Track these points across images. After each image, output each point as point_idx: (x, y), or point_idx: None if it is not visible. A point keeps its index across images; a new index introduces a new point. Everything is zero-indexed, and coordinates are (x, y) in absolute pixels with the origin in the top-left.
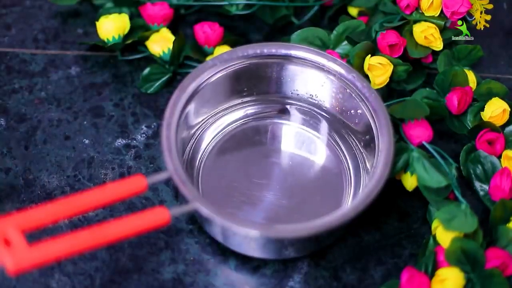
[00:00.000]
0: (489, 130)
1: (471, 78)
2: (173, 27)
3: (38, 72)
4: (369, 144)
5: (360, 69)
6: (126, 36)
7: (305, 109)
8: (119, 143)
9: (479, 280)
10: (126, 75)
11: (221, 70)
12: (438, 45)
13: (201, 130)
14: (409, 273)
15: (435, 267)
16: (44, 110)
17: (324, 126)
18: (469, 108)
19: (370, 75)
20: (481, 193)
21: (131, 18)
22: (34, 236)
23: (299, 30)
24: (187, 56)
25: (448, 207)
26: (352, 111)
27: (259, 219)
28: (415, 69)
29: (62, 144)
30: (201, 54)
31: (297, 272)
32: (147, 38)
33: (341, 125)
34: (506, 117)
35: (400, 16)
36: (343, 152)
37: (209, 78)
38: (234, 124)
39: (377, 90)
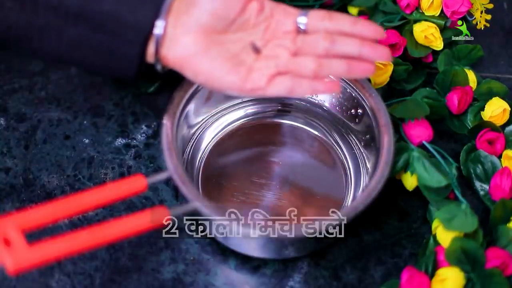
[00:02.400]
0: (489, 129)
1: (471, 77)
2: None
3: (38, 72)
4: (369, 143)
5: None
6: None
7: (305, 108)
8: (119, 143)
9: (479, 279)
10: None
11: None
12: (438, 44)
13: (201, 130)
14: (409, 273)
15: (435, 266)
16: (44, 110)
17: (324, 125)
18: (469, 108)
19: None
20: (481, 192)
21: None
22: (34, 236)
23: None
24: None
25: (448, 207)
26: (352, 111)
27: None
28: (415, 69)
29: (62, 143)
30: None
31: (297, 272)
32: None
33: (341, 125)
34: (506, 116)
35: (400, 16)
36: (343, 152)
37: None
38: (234, 124)
39: (377, 89)
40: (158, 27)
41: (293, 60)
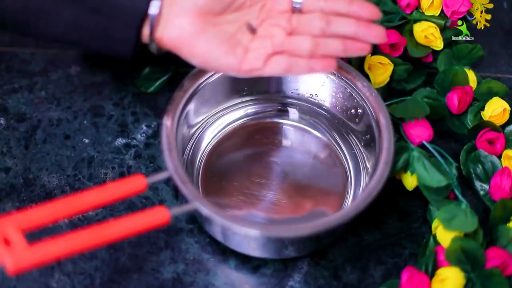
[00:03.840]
0: (489, 129)
1: (471, 77)
2: None
3: (38, 72)
4: (369, 143)
5: (360, 68)
6: None
7: (305, 108)
8: (119, 143)
9: (479, 279)
10: (126, 74)
11: None
12: (438, 44)
13: (201, 130)
14: (409, 273)
15: (435, 266)
16: (44, 110)
17: (324, 125)
18: (469, 108)
19: (370, 75)
20: (481, 192)
21: None
22: (34, 235)
23: None
24: None
25: (448, 207)
26: (352, 111)
27: (259, 219)
28: (415, 69)
29: (62, 143)
30: None
31: (297, 272)
32: None
33: (341, 125)
34: (506, 116)
35: (400, 16)
36: (343, 152)
37: (209, 77)
38: (234, 124)
39: (377, 89)
40: (153, 7)
41: (289, 39)
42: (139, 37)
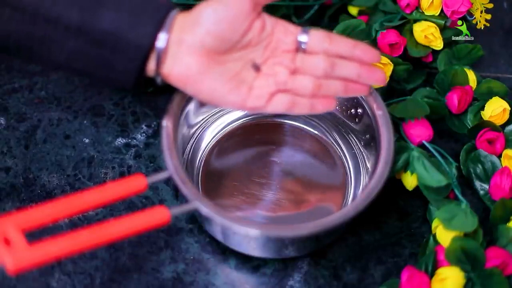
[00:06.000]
0: (489, 129)
1: (471, 77)
2: None
3: (38, 71)
4: (369, 143)
5: None
6: None
7: None
8: (119, 142)
9: (479, 279)
10: None
11: None
12: (438, 44)
13: (201, 129)
14: (409, 272)
15: (435, 266)
16: (44, 109)
17: (324, 125)
18: (469, 108)
19: None
20: (481, 192)
21: None
22: (34, 235)
23: None
24: None
25: (448, 206)
26: (352, 110)
27: (259, 218)
28: (415, 68)
29: (62, 143)
30: None
31: (297, 271)
32: None
33: (341, 124)
34: (506, 116)
35: (400, 15)
36: (343, 152)
37: None
38: (234, 123)
39: (377, 89)
40: (161, 40)
41: (292, 78)
42: (141, 70)
